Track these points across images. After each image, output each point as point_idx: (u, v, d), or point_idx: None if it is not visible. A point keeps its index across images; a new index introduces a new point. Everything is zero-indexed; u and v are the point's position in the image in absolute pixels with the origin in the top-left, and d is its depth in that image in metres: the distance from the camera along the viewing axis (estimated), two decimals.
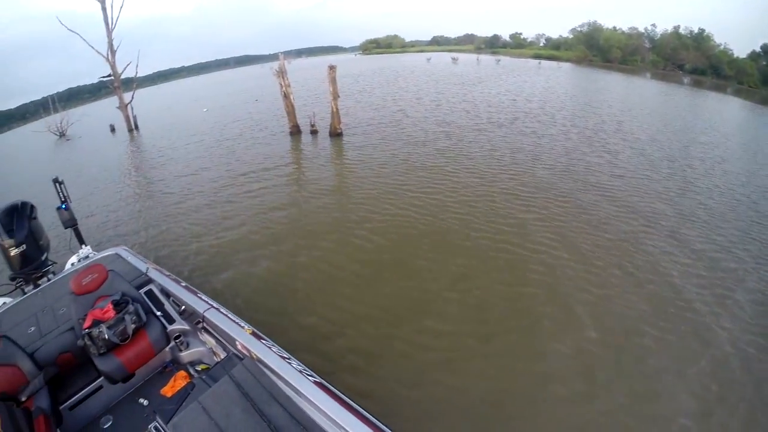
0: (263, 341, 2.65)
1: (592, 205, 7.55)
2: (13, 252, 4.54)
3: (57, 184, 5.22)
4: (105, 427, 3.04)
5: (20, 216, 4.66)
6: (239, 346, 2.74)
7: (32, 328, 3.70)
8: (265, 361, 2.47)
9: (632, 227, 6.77)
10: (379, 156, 10.68)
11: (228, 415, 2.17)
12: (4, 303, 4.61)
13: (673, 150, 11.46)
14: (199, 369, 3.29)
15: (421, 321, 4.67)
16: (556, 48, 56.73)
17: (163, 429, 2.24)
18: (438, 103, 17.29)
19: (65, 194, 5.26)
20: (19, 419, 2.36)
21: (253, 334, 2.74)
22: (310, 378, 2.29)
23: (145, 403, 3.13)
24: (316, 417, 2.17)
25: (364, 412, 2.09)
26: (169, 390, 3.13)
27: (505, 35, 71.93)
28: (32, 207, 4.87)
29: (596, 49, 48.29)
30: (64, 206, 5.24)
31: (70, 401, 3.10)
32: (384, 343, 4.36)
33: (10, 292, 4.84)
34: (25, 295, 4.50)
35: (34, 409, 2.62)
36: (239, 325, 2.87)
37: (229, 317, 3.01)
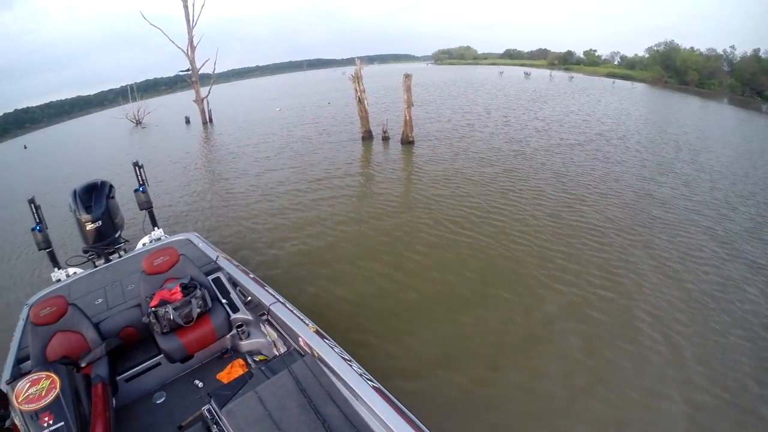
0: (326, 340, 2.64)
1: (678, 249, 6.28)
2: (89, 227, 4.75)
3: (137, 168, 5.38)
4: (158, 402, 3.12)
5: (99, 194, 4.87)
6: (302, 343, 2.74)
7: (99, 300, 3.88)
8: (326, 360, 2.47)
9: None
10: (447, 170, 10.11)
11: (283, 408, 2.16)
12: (75, 273, 4.92)
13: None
14: (257, 359, 3.33)
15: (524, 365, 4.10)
16: (630, 67, 53.79)
17: (217, 413, 2.27)
18: (508, 120, 16.47)
19: (144, 178, 5.42)
20: (78, 383, 2.44)
21: (317, 332, 2.74)
22: (369, 382, 2.26)
23: (200, 385, 3.20)
24: (371, 422, 2.15)
25: (419, 423, 2.03)
26: (225, 376, 3.18)
27: (579, 51, 69.47)
28: (111, 187, 5.09)
29: (672, 70, 45.09)
30: (141, 189, 5.38)
31: (127, 373, 3.21)
32: (485, 380, 3.90)
33: (82, 263, 5.02)
34: (96, 268, 4.75)
35: (93, 376, 2.71)
36: (304, 322, 2.86)
37: (294, 313, 3.01)
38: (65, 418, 2.13)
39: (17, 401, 2.20)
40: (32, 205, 4.90)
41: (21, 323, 3.84)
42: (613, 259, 5.94)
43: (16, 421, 2.25)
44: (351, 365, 2.39)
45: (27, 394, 2.23)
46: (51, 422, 2.11)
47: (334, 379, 2.36)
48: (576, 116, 17.50)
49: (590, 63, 64.04)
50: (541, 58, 79.85)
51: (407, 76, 12.79)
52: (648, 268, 5.71)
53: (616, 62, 62.35)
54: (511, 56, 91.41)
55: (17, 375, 2.81)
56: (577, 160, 10.92)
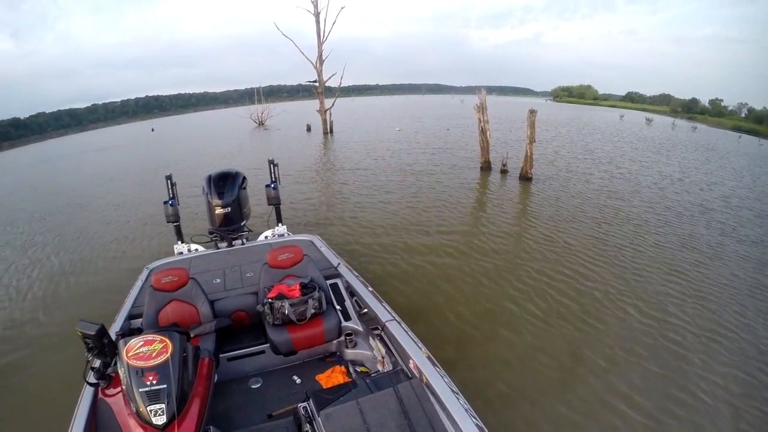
0: (436, 368, 2.59)
1: None
2: (218, 211, 5.07)
3: (271, 165, 5.66)
4: (253, 387, 3.20)
5: (232, 183, 5.20)
6: (411, 365, 2.70)
7: (218, 280, 4.08)
8: (434, 387, 2.40)
9: None
10: (564, 218, 9.16)
11: (382, 426, 2.13)
12: (197, 249, 5.30)
13: None
14: (359, 370, 3.32)
15: None
16: (759, 121, 47.66)
17: (313, 413, 2.28)
18: (628, 174, 14.15)
19: (277, 175, 5.67)
20: (188, 352, 2.51)
21: (428, 357, 2.69)
22: (473, 419, 2.17)
23: (298, 381, 3.24)
24: None
25: None
26: (324, 378, 3.19)
27: (704, 99, 63.68)
28: (244, 178, 5.40)
29: None
30: (273, 186, 5.65)
31: (230, 353, 3.34)
32: None
33: (204, 243, 5.38)
34: (218, 250, 5.04)
35: (202, 349, 2.81)
36: (417, 345, 2.82)
37: (408, 334, 2.98)
38: (168, 381, 2.20)
39: (127, 355, 2.29)
40: (169, 181, 5.29)
41: (139, 283, 4.13)
42: None
43: (120, 372, 2.34)
44: (458, 398, 2.32)
45: (138, 351, 2.31)
46: (155, 382, 2.18)
47: (438, 408, 2.30)
48: (701, 175, 14.68)
49: (715, 113, 58.11)
50: (664, 103, 74.12)
51: (532, 112, 12.67)
52: None
53: (743, 114, 56.35)
54: (633, 99, 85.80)
55: (127, 329, 3.08)
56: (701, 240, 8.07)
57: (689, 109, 63.01)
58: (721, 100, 62.12)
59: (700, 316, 5.26)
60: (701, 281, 6.27)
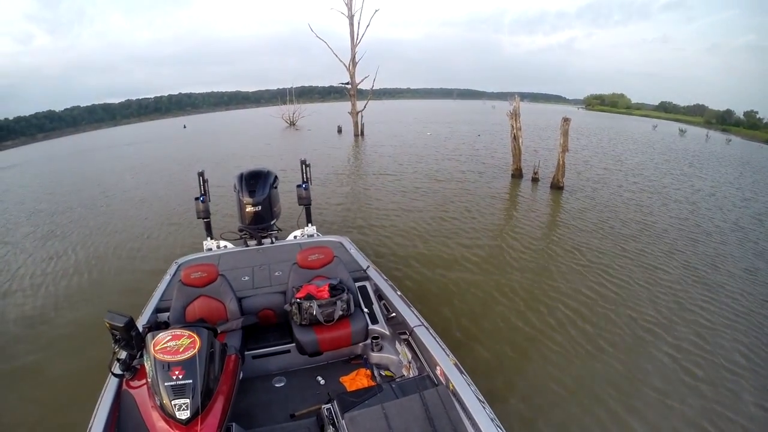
0: (464, 376, 2.57)
1: None
2: (249, 209, 5.09)
3: (303, 165, 5.66)
4: (276, 385, 3.19)
5: (264, 181, 5.23)
6: (439, 372, 2.68)
7: (246, 278, 4.07)
8: (461, 395, 2.38)
9: None
10: (591, 230, 8.94)
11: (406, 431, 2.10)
12: (226, 246, 5.34)
13: None
14: (384, 374, 3.29)
15: None
16: None
17: (337, 415, 2.26)
18: (665, 189, 13.37)
19: (308, 176, 5.67)
20: (215, 348, 2.51)
21: (456, 365, 2.66)
22: (499, 429, 2.16)
23: (322, 382, 3.22)
24: None
25: None
26: (348, 381, 3.18)
27: (739, 111, 60.97)
28: (276, 177, 5.44)
29: None
30: (304, 186, 5.63)
31: (255, 351, 3.35)
32: None
33: (234, 240, 5.41)
34: (247, 248, 5.02)
35: (229, 346, 2.82)
36: (445, 352, 2.80)
37: (436, 340, 2.96)
38: (194, 376, 2.20)
39: (154, 348, 2.30)
40: (201, 177, 5.31)
41: (167, 278, 4.16)
42: None
43: (146, 364, 2.36)
44: (484, 407, 2.30)
45: (165, 345, 2.32)
46: (181, 377, 2.18)
47: (463, 416, 2.26)
48: (735, 197, 13.16)
49: (750, 125, 55.41)
50: (698, 114, 71.34)
51: (566, 120, 12.33)
52: None
53: None
54: (666, 109, 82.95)
55: (153, 322, 3.15)
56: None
57: (723, 121, 60.66)
58: (756, 112, 59.52)
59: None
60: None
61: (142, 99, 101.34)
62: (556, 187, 12.60)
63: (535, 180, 13.49)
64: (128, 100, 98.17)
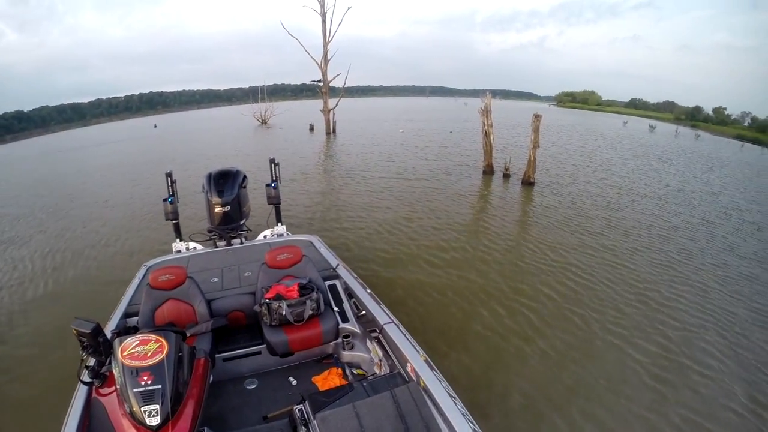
0: (434, 372, 2.56)
1: None
2: (218, 209, 5.01)
3: (272, 164, 5.58)
4: (248, 388, 3.18)
5: (233, 181, 5.15)
6: (409, 369, 2.68)
7: (215, 279, 4.03)
8: (432, 391, 2.38)
9: None
10: (557, 227, 8.94)
11: (378, 430, 2.11)
12: (195, 248, 5.24)
13: None
14: (355, 372, 3.29)
15: None
16: (761, 130, 47.81)
17: (309, 416, 2.26)
18: (631, 187, 13.35)
19: (278, 175, 5.61)
20: (184, 352, 2.47)
21: (426, 361, 2.66)
22: (470, 424, 2.16)
23: (294, 382, 3.21)
24: None
25: None
26: (320, 380, 3.18)
27: (708, 108, 64.05)
28: (244, 177, 5.36)
29: None
30: (273, 185, 5.60)
31: (226, 353, 3.31)
32: None
33: (203, 241, 5.31)
34: (216, 249, 4.98)
35: (198, 349, 2.77)
36: (415, 349, 2.79)
37: (406, 337, 2.94)
38: (163, 381, 2.17)
39: (122, 354, 2.26)
40: (169, 178, 5.21)
41: (136, 281, 4.08)
42: None
43: (114, 371, 2.30)
44: (455, 402, 2.31)
45: (133, 350, 2.28)
46: (149, 382, 2.15)
47: (435, 412, 2.27)
48: (701, 188, 14.17)
49: (718, 122, 58.44)
50: (668, 111, 74.45)
51: (537, 116, 12.59)
52: None
53: (746, 123, 56.92)
54: (636, 106, 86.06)
55: (122, 327, 3.05)
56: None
57: (692, 117, 63.29)
58: (725, 109, 62.51)
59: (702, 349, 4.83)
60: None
61: (112, 98, 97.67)
62: (527, 183, 12.69)
63: (506, 176, 13.60)
64: (98, 99, 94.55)
